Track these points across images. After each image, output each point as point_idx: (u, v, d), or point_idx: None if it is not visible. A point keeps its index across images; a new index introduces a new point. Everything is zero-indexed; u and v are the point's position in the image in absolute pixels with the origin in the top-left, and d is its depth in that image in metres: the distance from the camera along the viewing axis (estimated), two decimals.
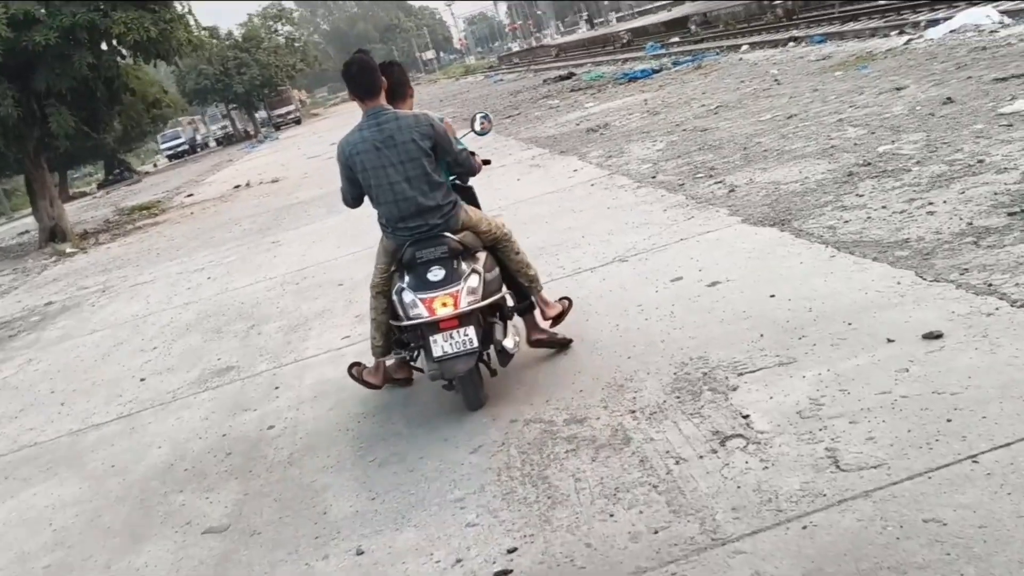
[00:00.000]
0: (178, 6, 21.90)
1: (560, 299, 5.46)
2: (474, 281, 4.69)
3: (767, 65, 17.44)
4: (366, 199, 5.03)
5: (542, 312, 5.32)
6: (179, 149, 78.37)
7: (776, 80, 14.61)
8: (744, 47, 22.78)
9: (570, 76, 32.55)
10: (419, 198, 4.73)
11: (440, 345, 4.61)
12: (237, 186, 26.23)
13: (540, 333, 5.33)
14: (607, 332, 5.33)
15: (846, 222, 6.04)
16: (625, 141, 13.02)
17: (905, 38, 14.48)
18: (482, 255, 4.94)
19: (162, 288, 11.89)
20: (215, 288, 10.75)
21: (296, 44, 79.68)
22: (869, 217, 6.00)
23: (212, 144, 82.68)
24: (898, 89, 10.44)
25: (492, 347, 4.85)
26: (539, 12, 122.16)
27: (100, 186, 64.83)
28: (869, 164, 7.37)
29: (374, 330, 5.17)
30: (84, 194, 60.88)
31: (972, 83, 9.60)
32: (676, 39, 35.71)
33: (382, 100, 4.83)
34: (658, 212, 8.01)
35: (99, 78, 21.73)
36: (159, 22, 20.25)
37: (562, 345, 5.29)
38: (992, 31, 12.57)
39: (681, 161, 10.19)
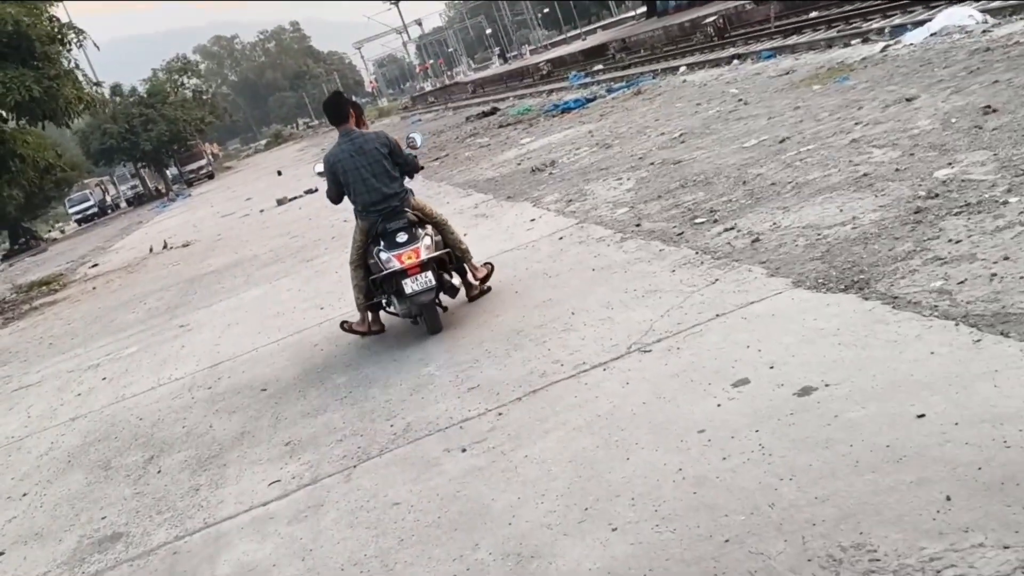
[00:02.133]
0: (65, 61, 19.81)
1: (484, 263, 7.58)
2: (428, 241, 6.86)
3: (719, 85, 16.01)
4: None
5: (473, 274, 7.43)
6: (88, 212, 75.02)
7: (741, 100, 13.11)
8: (682, 68, 21.46)
9: (494, 112, 31.04)
10: (383, 188, 6.88)
11: (410, 285, 6.62)
12: (151, 248, 24.04)
13: (473, 291, 7.43)
14: (667, 487, 3.55)
15: (961, 282, 4.38)
16: (582, 180, 11.37)
17: (880, 45, 13.12)
18: (430, 227, 7.07)
19: (48, 394, 9.84)
20: (109, 394, 8.76)
21: (204, 97, 77.16)
22: (994, 274, 4.35)
23: (123, 205, 79.44)
24: (908, 100, 8.94)
25: (443, 290, 6.95)
26: (449, 50, 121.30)
27: (4, 257, 61.40)
28: (937, 196, 5.76)
29: (357, 293, 7.21)
30: None
31: (1005, 88, 8.13)
32: (600, 66, 34.54)
33: (351, 124, 7.01)
34: (664, 274, 6.30)
35: None
36: (42, 79, 18.13)
37: (485, 291, 7.43)
38: (984, 31, 11.22)
39: (665, 203, 8.54)
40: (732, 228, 6.81)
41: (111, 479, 6.18)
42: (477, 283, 7.41)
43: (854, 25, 17.67)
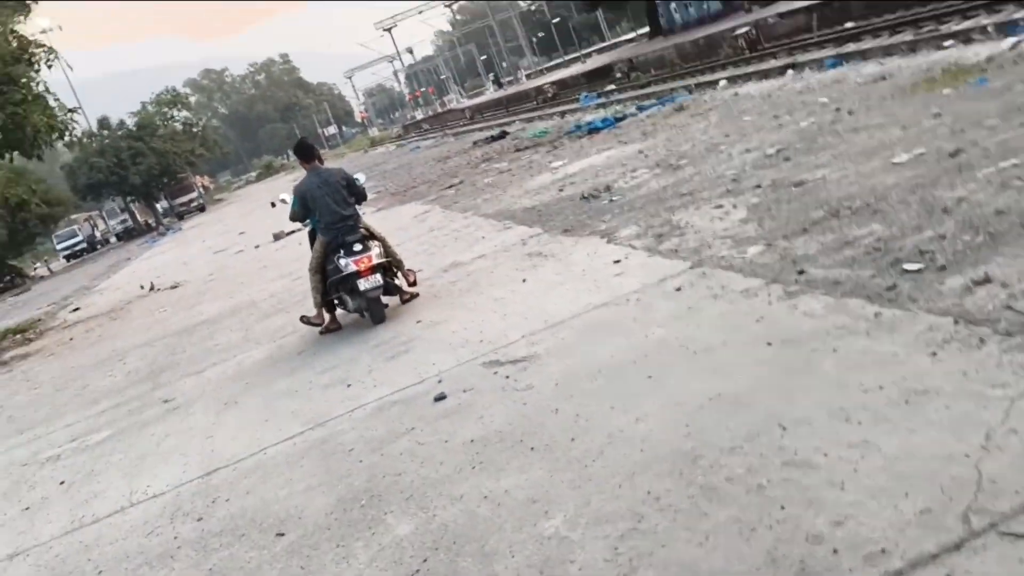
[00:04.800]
0: (34, 85, 17.52)
1: (408, 270, 9.25)
2: (377, 251, 8.68)
3: (790, 95, 13.80)
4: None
5: (405, 279, 9.15)
6: (76, 248, 72.66)
7: (839, 110, 10.88)
8: (721, 82, 19.28)
9: (503, 135, 28.86)
10: (342, 211, 8.73)
11: (363, 284, 8.44)
12: (149, 286, 21.71)
13: (404, 294, 9.09)
14: None
15: None
16: (662, 208, 9.12)
17: (1008, 42, 10.91)
18: (377, 241, 8.89)
19: None
20: (64, 515, 6.40)
21: (194, 129, 74.92)
22: None
23: (113, 240, 77.08)
24: None
25: (387, 289, 8.78)
26: (442, 77, 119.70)
27: None
28: None
29: (315, 294, 8.93)
30: None
31: None
32: (612, 87, 32.46)
33: (316, 163, 8.98)
34: (919, 360, 4.00)
35: None
36: (6, 105, 15.83)
37: (415, 296, 9.09)
38: None
39: (821, 238, 6.26)
40: (985, 280, 4.52)
41: None
42: (409, 289, 9.14)
43: (927, 29, 15.56)
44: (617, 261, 7.70)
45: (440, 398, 5.88)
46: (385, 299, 8.81)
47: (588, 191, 11.66)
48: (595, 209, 10.49)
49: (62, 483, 7.26)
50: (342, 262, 8.49)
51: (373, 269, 8.44)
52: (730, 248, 6.85)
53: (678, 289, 6.31)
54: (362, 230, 8.82)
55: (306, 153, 8.97)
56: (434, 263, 10.81)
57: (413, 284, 9.13)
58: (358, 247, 8.55)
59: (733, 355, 4.85)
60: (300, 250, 17.48)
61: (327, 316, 9.02)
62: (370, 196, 11.93)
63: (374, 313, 8.62)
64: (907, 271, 5.03)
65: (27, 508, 6.92)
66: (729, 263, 6.46)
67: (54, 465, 7.95)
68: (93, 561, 5.33)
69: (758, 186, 8.54)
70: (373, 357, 7.57)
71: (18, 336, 21.44)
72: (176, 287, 19.81)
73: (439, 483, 4.61)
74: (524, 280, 8.29)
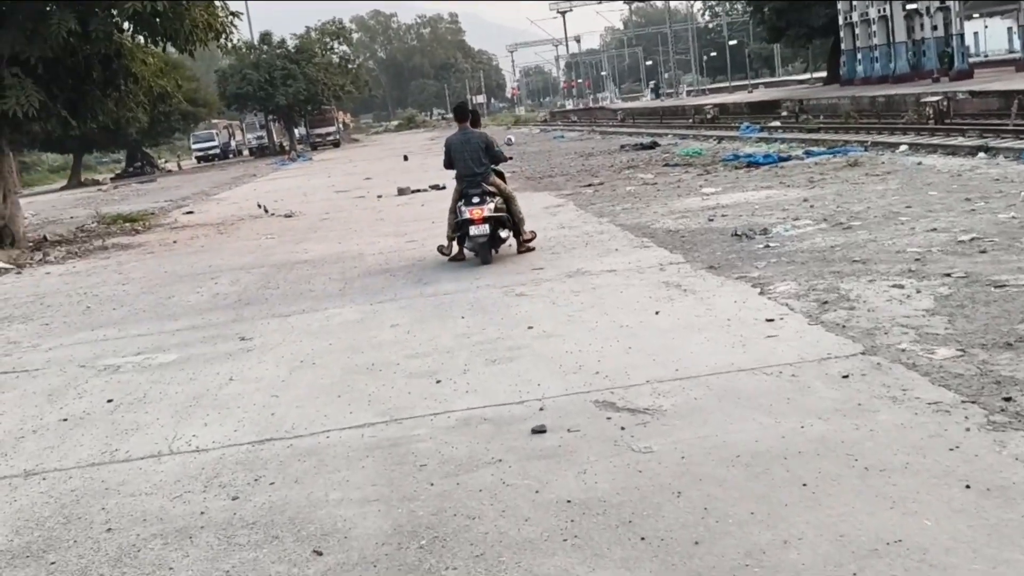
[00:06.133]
0: None
1: (531, 231, 11.09)
2: (492, 206, 10.22)
3: (983, 180, 12.44)
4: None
5: (523, 237, 10.82)
6: (210, 152, 74.29)
7: None
8: (902, 147, 17.88)
9: (654, 146, 27.79)
10: (474, 168, 10.39)
11: (473, 230, 10.14)
12: (259, 206, 21.45)
13: (522, 248, 10.77)
14: None
15: None
16: (828, 270, 8.03)
17: None
18: (499, 197, 10.41)
19: (32, 399, 6.93)
20: (97, 441, 5.73)
21: (349, 65, 75.30)
22: None
23: (245, 153, 78.45)
24: None
25: (494, 239, 10.39)
26: (603, 73, 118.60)
27: (115, 178, 60.36)
28: None
29: (448, 229, 10.65)
30: (96, 183, 56.35)
31: None
32: (777, 123, 31.01)
33: (468, 124, 10.67)
34: None
35: (94, 54, 17.02)
36: None
37: (531, 249, 10.78)
38: None
39: None
40: None
41: None
42: (525, 243, 10.80)
43: None
44: (770, 320, 6.67)
45: (539, 431, 4.97)
46: (507, 240, 10.76)
47: (741, 229, 10.59)
48: (748, 252, 9.43)
49: (110, 401, 6.61)
50: (463, 209, 10.28)
51: (485, 220, 10.13)
52: (913, 342, 5.76)
53: (845, 376, 5.26)
54: (488, 186, 10.38)
55: (461, 114, 10.89)
56: (558, 264, 9.91)
57: (529, 241, 10.88)
58: (476, 199, 10.19)
59: (918, 488, 3.81)
60: (420, 211, 16.85)
61: (455, 248, 10.68)
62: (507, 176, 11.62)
63: (483, 256, 10.38)
64: None
65: (65, 419, 6.28)
66: (912, 361, 5.38)
67: (109, 377, 7.33)
68: (107, 511, 4.59)
69: (947, 274, 7.38)
70: (472, 355, 6.71)
71: (127, 224, 21.38)
72: (290, 216, 19.37)
73: (519, 548, 3.71)
74: (657, 312, 7.32)
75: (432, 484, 4.43)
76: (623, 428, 4.87)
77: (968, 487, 3.76)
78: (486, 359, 6.54)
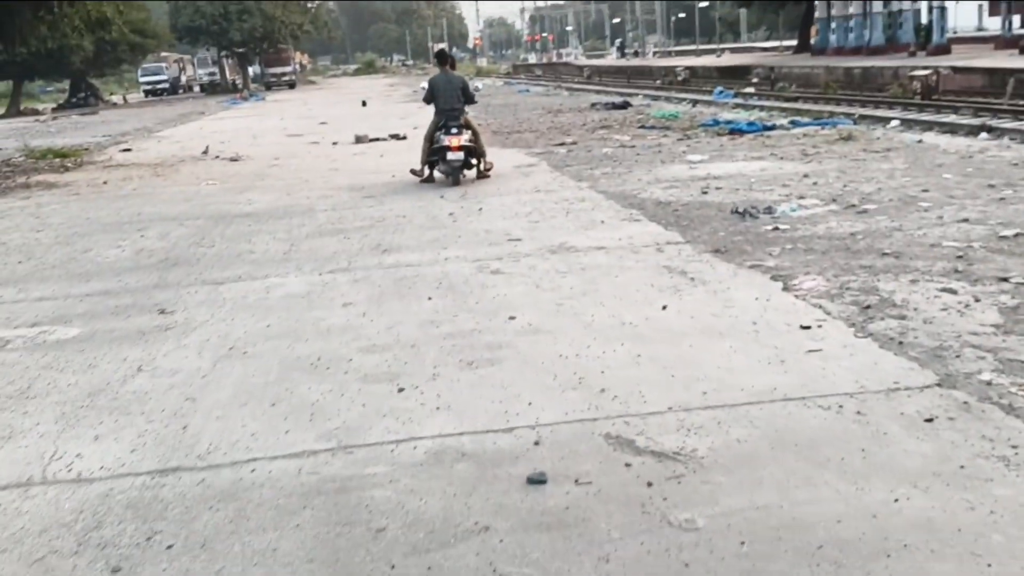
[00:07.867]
0: None
1: (490, 161, 12.82)
2: (466, 136, 12.04)
3: (999, 164, 11.34)
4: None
5: (483, 163, 12.64)
6: (159, 86, 71.44)
7: None
8: (894, 122, 16.82)
9: (626, 106, 26.41)
10: (454, 104, 12.13)
11: (450, 155, 11.88)
12: (203, 151, 19.82)
13: (481, 175, 12.55)
14: None
15: None
16: (858, 265, 6.87)
17: None
18: (470, 131, 12.21)
19: None
20: None
21: (309, 4, 72.76)
22: None
23: (196, 89, 75.57)
24: None
25: (466, 164, 12.18)
26: (568, 28, 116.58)
27: (56, 108, 57.64)
28: None
29: (423, 155, 12.37)
30: (36, 112, 53.74)
31: None
32: (751, 89, 29.87)
33: (447, 68, 12.62)
34: None
35: None
36: None
37: (488, 176, 12.57)
38: None
39: None
40: None
41: None
42: (485, 172, 12.66)
43: None
44: (806, 327, 5.48)
45: (538, 480, 3.74)
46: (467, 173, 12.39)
47: (743, 206, 9.40)
48: (755, 234, 8.24)
49: None
50: (442, 138, 11.99)
51: (460, 148, 11.97)
52: (996, 371, 4.60)
53: (928, 420, 4.08)
54: (461, 120, 12.16)
55: (443, 59, 12.97)
56: (537, 236, 8.64)
57: (488, 170, 12.70)
58: (455, 130, 11.94)
59: None
60: (380, 162, 15.43)
61: (427, 172, 12.45)
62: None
63: (454, 178, 12.11)
64: None
65: None
66: (1008, 401, 4.22)
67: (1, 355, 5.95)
68: None
69: (1004, 279, 6.24)
70: (442, 352, 5.43)
71: (57, 160, 19.66)
72: (236, 160, 17.86)
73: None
74: (664, 307, 6.10)
75: (393, 567, 3.17)
76: (650, 484, 3.65)
77: None
78: (460, 360, 5.27)
